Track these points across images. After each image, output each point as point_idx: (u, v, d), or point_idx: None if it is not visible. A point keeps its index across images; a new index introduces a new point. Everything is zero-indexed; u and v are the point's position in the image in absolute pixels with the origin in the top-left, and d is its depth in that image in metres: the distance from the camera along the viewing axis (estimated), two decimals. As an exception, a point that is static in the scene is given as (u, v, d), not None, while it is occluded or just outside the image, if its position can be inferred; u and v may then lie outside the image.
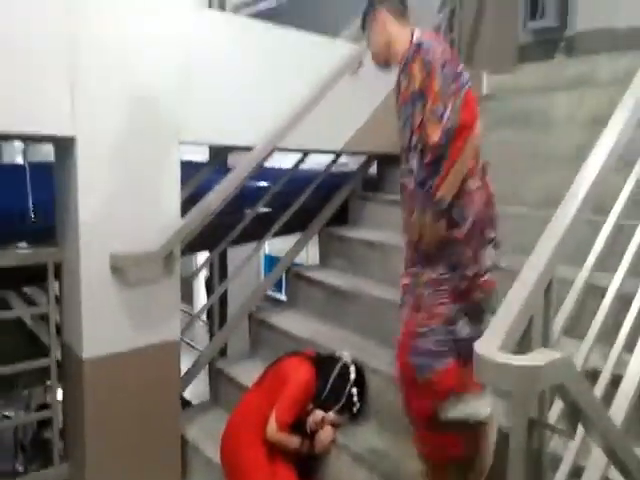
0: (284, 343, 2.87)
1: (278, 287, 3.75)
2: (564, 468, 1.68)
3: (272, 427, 2.24)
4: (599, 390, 1.77)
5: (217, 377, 3.08)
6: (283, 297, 3.55)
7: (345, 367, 2.37)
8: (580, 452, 1.71)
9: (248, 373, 2.80)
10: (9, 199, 3.36)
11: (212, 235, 2.96)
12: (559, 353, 1.25)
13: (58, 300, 2.55)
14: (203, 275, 8.71)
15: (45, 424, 4.49)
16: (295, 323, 3.08)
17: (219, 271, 3.39)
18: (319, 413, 2.31)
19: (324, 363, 2.39)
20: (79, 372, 2.36)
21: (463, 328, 1.68)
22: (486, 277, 1.70)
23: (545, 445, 1.47)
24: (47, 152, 3.49)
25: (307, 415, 2.32)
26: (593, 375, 1.81)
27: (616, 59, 3.39)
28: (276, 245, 3.68)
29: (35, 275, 2.63)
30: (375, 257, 3.08)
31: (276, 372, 2.40)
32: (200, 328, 5.85)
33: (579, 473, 1.71)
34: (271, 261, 4.04)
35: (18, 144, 7.90)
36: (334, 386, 2.32)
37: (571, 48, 4.15)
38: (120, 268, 2.29)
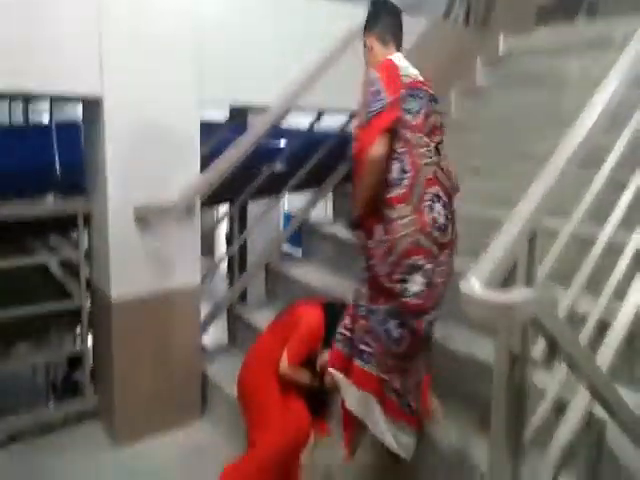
0: (298, 292, 3.04)
1: (297, 244, 3.88)
2: (547, 402, 1.83)
3: (284, 363, 2.43)
4: (587, 333, 1.91)
5: (235, 322, 3.29)
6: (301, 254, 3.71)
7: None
8: (567, 389, 1.85)
9: (264, 319, 2.98)
10: (37, 156, 3.56)
11: (231, 190, 3.12)
12: (534, 291, 1.39)
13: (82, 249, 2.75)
14: (224, 231, 8.95)
15: (75, 366, 4.78)
16: (308, 274, 3.24)
17: (239, 224, 3.56)
18: (328, 353, 2.49)
19: (333, 309, 2.54)
20: (108, 313, 2.58)
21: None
22: (407, 299, 1.87)
23: (527, 379, 1.59)
24: (72, 112, 3.67)
25: (317, 355, 2.50)
26: (583, 320, 1.95)
27: (636, 21, 3.40)
28: (295, 204, 3.82)
29: (63, 225, 2.84)
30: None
31: (288, 315, 2.58)
32: (220, 282, 6.07)
33: (564, 408, 1.88)
34: (289, 219, 4.17)
35: (44, 104, 8.15)
36: None
37: (593, 10, 4.15)
38: (144, 219, 2.48)
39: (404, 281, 1.85)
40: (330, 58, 2.82)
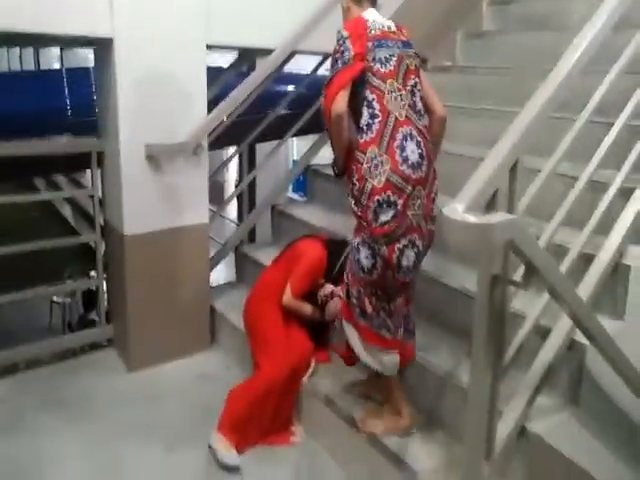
0: (302, 231, 3.12)
1: (302, 191, 4.01)
2: (527, 325, 1.99)
3: (287, 295, 2.61)
4: (567, 264, 2.04)
5: (242, 260, 3.47)
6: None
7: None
8: (550, 316, 2.00)
9: (269, 257, 3.11)
10: (48, 99, 3.68)
11: (238, 133, 3.24)
12: (511, 215, 1.53)
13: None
14: (233, 179, 9.07)
15: (90, 307, 5.03)
16: (313, 215, 3.38)
17: (248, 164, 3.70)
18: (329, 286, 2.64)
19: (335, 245, 2.69)
20: (121, 246, 2.75)
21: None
22: (376, 227, 2.00)
23: (507, 300, 1.71)
24: (81, 58, 3.75)
25: (319, 288, 2.66)
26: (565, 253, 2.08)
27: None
28: (303, 150, 3.91)
29: (73, 166, 2.99)
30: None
31: (292, 250, 2.73)
32: (229, 229, 6.24)
33: (546, 335, 2.02)
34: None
35: (55, 51, 8.22)
36: (343, 265, 2.64)
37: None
38: (154, 157, 2.62)
39: (375, 213, 1.98)
40: (334, 0, 2.88)
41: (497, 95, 3.19)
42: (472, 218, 1.38)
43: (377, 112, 1.99)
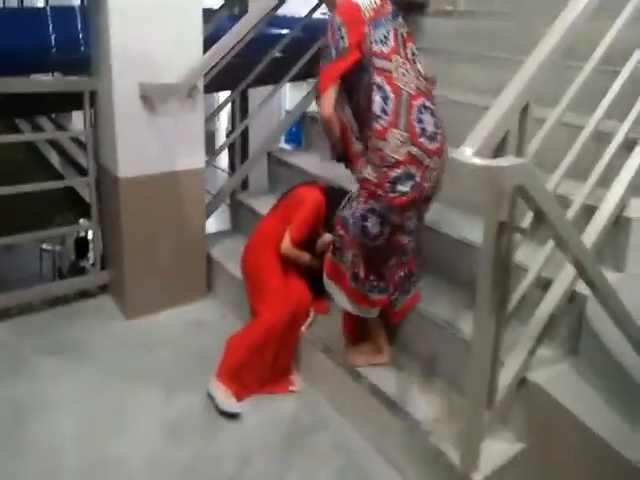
0: (299, 179, 3.07)
1: (295, 142, 3.93)
2: (530, 275, 1.98)
3: (286, 242, 2.57)
4: (571, 214, 2.02)
5: (237, 209, 3.43)
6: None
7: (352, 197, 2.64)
8: (553, 268, 2.00)
9: (266, 204, 3.07)
10: (32, 37, 3.56)
11: (233, 76, 3.15)
12: (522, 159, 1.50)
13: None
14: (224, 129, 8.93)
15: (82, 253, 5.00)
16: (310, 163, 3.32)
17: (240, 114, 3.61)
18: (328, 235, 2.58)
19: (334, 193, 2.64)
20: (115, 189, 2.69)
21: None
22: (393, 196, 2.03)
23: (513, 249, 1.72)
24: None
25: (318, 237, 2.64)
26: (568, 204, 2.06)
27: None
28: (295, 100, 3.81)
29: (63, 103, 2.90)
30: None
31: (290, 198, 2.69)
32: (221, 179, 6.17)
33: (547, 286, 2.02)
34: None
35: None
36: None
37: None
38: (149, 97, 2.54)
39: (393, 184, 2.01)
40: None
41: (500, 41, 3.11)
42: (482, 161, 1.36)
43: (389, 93, 2.00)
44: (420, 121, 2.01)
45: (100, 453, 2.14)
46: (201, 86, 2.75)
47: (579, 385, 1.92)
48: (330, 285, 2.30)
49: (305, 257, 2.63)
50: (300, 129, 3.73)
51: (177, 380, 2.53)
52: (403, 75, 2.02)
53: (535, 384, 1.90)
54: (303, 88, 3.72)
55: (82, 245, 5.03)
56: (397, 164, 1.99)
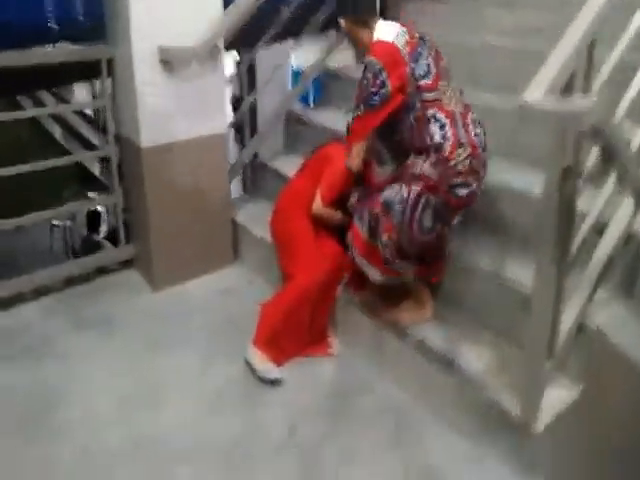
0: (320, 136, 3.01)
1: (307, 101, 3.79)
2: (590, 220, 1.92)
3: (317, 202, 2.51)
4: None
5: (259, 171, 3.36)
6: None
7: None
8: (608, 212, 1.95)
9: (288, 165, 3.04)
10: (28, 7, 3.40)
11: (250, 33, 3.02)
12: (596, 98, 1.43)
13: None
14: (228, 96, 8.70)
15: (94, 229, 4.93)
16: (330, 119, 3.23)
17: (248, 77, 3.48)
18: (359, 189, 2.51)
19: None
20: (138, 160, 2.62)
21: None
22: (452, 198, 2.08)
23: (576, 195, 1.66)
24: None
25: (349, 196, 2.53)
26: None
27: None
28: (303, 60, 3.65)
29: (77, 74, 2.80)
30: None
31: (319, 156, 2.61)
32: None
33: (603, 230, 1.96)
34: (298, 77, 4.02)
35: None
36: None
37: None
38: (169, 61, 2.45)
39: (452, 187, 2.06)
40: None
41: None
42: (557, 103, 1.30)
43: (444, 120, 2.05)
44: (477, 135, 2.09)
45: (140, 431, 2.08)
46: (222, 45, 2.65)
47: (635, 329, 1.87)
48: (363, 262, 2.25)
49: (337, 216, 2.56)
50: (314, 88, 3.59)
51: (211, 350, 2.51)
52: (450, 98, 2.09)
53: (594, 329, 1.86)
54: (312, 45, 3.55)
55: (93, 219, 4.96)
56: (458, 174, 2.05)
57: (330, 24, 3.24)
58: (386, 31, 2.08)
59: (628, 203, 1.94)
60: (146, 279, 2.96)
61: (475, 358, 2.13)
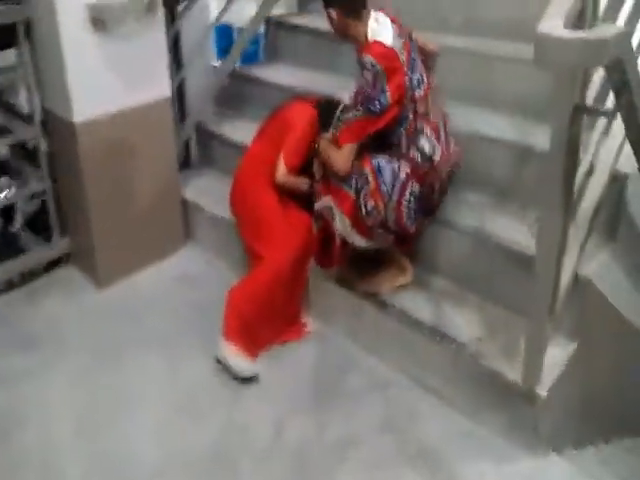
0: (273, 96, 2.92)
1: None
2: (584, 164, 1.92)
3: (281, 170, 2.40)
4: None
5: (204, 140, 3.20)
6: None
7: (346, 108, 2.49)
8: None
9: (238, 131, 2.92)
10: None
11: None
12: (622, 28, 1.38)
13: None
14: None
15: (7, 219, 4.56)
16: (282, 75, 3.13)
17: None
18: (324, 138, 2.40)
19: (325, 106, 2.47)
20: (72, 138, 2.41)
21: None
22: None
23: (583, 134, 1.65)
24: None
25: (313, 158, 2.43)
26: None
27: None
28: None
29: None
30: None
31: (278, 119, 2.50)
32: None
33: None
34: (224, 33, 3.80)
35: None
36: (337, 127, 2.37)
37: None
38: (101, 19, 2.26)
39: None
40: None
41: None
42: (582, 33, 1.25)
43: (430, 134, 2.11)
44: (454, 148, 2.23)
45: (105, 450, 1.94)
46: (159, 3, 2.47)
47: (621, 276, 1.94)
48: (347, 226, 2.17)
49: (303, 184, 2.46)
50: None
51: (176, 348, 2.37)
52: (434, 107, 2.15)
53: (586, 280, 1.90)
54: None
55: (7, 208, 4.58)
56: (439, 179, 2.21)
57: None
58: (382, 32, 2.06)
59: (613, 142, 1.97)
60: (88, 275, 2.76)
61: (464, 324, 2.13)
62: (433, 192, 2.21)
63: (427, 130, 2.11)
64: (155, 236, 2.82)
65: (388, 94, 1.99)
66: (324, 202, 2.20)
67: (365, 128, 2.06)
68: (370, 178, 2.08)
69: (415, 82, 2.07)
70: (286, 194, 2.48)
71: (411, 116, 2.08)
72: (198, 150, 3.28)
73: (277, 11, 3.34)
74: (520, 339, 1.90)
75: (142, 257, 2.79)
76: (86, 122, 2.40)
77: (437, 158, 2.11)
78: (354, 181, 2.10)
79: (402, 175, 2.09)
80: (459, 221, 2.27)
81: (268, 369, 2.26)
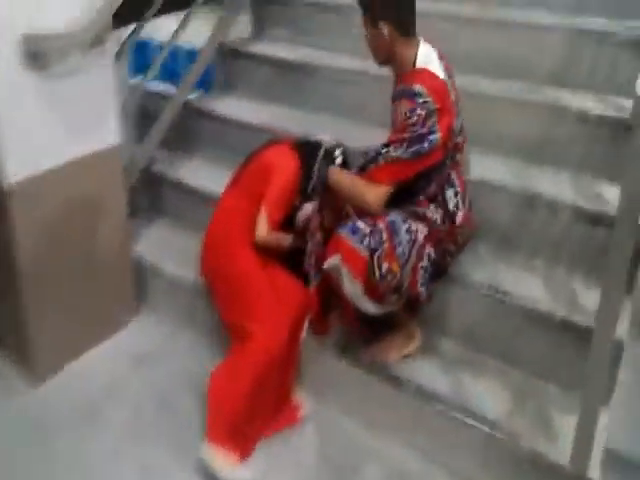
0: (231, 133, 2.82)
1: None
2: None
3: (262, 227, 2.20)
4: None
5: (156, 183, 2.95)
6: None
7: (329, 152, 2.31)
8: None
9: (194, 173, 2.75)
10: None
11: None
12: None
13: None
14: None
15: None
16: (240, 109, 2.98)
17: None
18: (308, 206, 2.31)
19: (304, 150, 2.30)
20: (3, 205, 2.09)
21: None
22: None
23: None
24: None
25: (295, 211, 2.32)
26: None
27: None
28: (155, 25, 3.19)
29: None
30: (331, 22, 2.95)
31: (254, 166, 2.30)
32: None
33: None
34: (144, 50, 3.52)
35: None
36: (320, 175, 2.26)
37: None
38: (41, 54, 1.96)
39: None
40: None
41: None
42: None
43: (458, 189, 2.08)
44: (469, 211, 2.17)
45: None
46: (110, 31, 2.20)
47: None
48: (356, 290, 2.00)
49: (287, 240, 2.29)
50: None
51: (143, 457, 2.05)
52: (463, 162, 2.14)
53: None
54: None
55: None
56: (455, 244, 2.15)
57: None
58: (433, 61, 1.98)
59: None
60: (20, 369, 2.38)
61: (486, 395, 2.04)
62: (447, 256, 2.14)
63: (457, 183, 2.06)
64: (103, 307, 2.51)
65: (439, 135, 1.89)
66: (332, 261, 2.01)
67: (409, 168, 1.94)
68: (385, 237, 1.94)
69: (458, 128, 2.00)
70: (267, 253, 2.28)
71: (448, 164, 2.02)
72: (144, 196, 2.99)
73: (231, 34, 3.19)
74: (550, 409, 1.92)
75: (88, 336, 2.49)
76: (20, 182, 2.07)
77: (459, 219, 2.06)
78: (368, 239, 1.93)
79: (420, 237, 1.98)
80: (469, 276, 2.21)
81: (264, 469, 2.03)
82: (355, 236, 1.96)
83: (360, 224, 1.97)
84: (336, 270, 1.99)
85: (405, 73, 1.98)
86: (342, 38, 2.89)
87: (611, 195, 2.21)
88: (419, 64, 1.96)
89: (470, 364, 2.16)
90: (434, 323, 2.29)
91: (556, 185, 2.33)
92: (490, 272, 2.22)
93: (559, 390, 2.03)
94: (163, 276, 2.64)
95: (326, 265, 2.04)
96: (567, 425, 1.82)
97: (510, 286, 2.13)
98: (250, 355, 2.09)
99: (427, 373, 2.12)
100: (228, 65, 3.20)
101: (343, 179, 2.14)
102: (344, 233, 1.98)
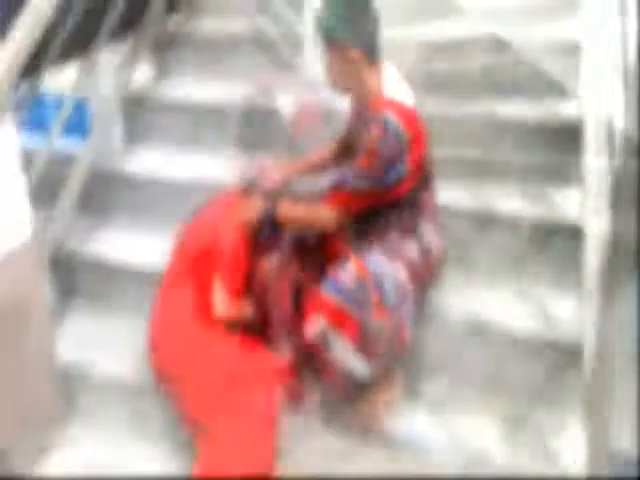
0: (148, 193, 2.67)
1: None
2: None
3: (221, 303, 2.06)
4: None
5: (74, 265, 2.63)
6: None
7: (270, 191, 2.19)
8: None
9: (114, 246, 2.58)
10: None
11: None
12: None
13: None
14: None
15: None
16: (154, 164, 2.81)
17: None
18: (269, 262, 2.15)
19: (244, 198, 2.16)
20: None
21: None
22: None
23: None
24: None
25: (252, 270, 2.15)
26: None
27: None
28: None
29: None
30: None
31: (195, 234, 2.18)
32: None
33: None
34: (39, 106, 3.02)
35: None
36: (268, 215, 2.15)
37: None
38: None
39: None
40: None
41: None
42: None
43: (432, 220, 2.08)
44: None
45: None
46: (8, 89, 1.89)
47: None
48: (348, 352, 1.93)
49: (249, 309, 2.14)
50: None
51: None
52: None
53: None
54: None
55: None
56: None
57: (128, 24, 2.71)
58: (401, 87, 2.00)
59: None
60: None
61: (490, 439, 1.99)
62: (426, 290, 2.14)
63: (430, 212, 2.06)
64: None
65: (405, 165, 1.89)
66: (317, 327, 1.91)
67: (365, 199, 1.95)
68: (370, 288, 1.87)
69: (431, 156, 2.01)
70: (231, 329, 2.09)
71: (425, 195, 2.02)
72: (57, 280, 2.59)
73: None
74: (543, 432, 1.96)
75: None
76: None
77: (434, 250, 2.06)
78: (354, 295, 1.87)
79: (401, 277, 1.93)
80: (448, 305, 2.22)
81: None
82: (340, 295, 1.87)
83: (342, 276, 1.89)
84: (322, 336, 1.90)
85: (372, 101, 1.95)
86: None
87: (559, 199, 2.32)
88: (387, 91, 1.95)
89: (459, 403, 2.12)
90: (413, 363, 2.21)
91: (508, 198, 2.37)
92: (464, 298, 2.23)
93: (546, 411, 2.03)
94: (97, 378, 2.29)
95: (311, 333, 1.92)
96: (565, 446, 1.90)
97: (485, 312, 2.15)
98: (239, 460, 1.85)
99: (415, 426, 2.06)
100: (135, 114, 3.00)
101: (293, 208, 2.10)
102: (327, 292, 1.89)
